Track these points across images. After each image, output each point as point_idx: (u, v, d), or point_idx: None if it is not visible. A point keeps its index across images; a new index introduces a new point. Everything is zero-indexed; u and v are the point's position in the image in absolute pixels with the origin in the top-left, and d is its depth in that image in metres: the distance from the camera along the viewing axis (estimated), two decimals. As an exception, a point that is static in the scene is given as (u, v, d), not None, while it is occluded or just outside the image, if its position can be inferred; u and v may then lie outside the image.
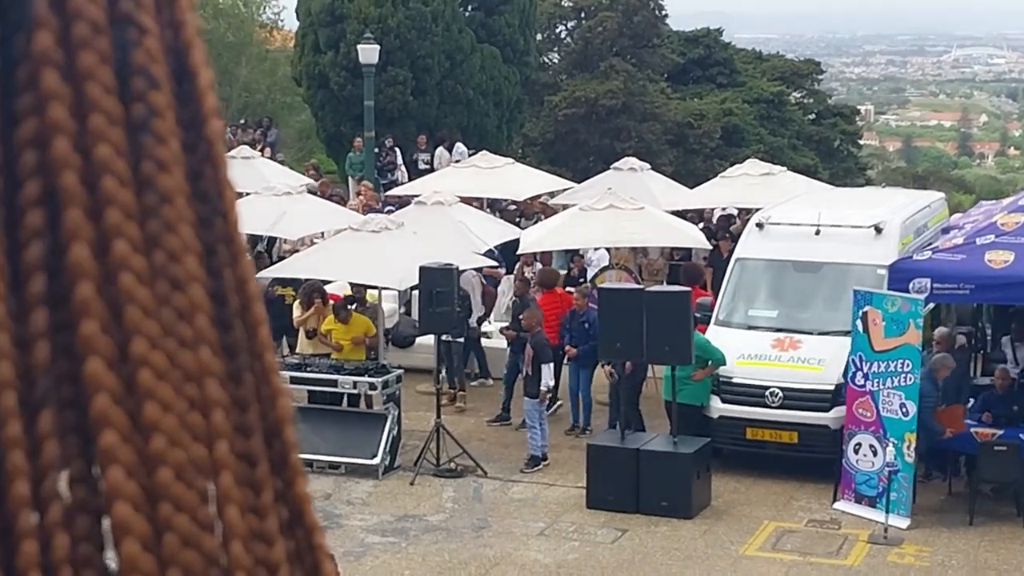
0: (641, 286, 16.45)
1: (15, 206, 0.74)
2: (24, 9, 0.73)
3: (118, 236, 0.74)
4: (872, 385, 14.08)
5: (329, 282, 17.33)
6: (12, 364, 0.72)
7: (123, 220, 0.74)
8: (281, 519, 0.81)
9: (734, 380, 15.32)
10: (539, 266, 21.01)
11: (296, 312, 17.54)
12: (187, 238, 0.77)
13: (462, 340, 17.87)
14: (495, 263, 19.44)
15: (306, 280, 17.32)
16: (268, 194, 19.79)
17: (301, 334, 17.35)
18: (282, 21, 43.04)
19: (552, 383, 15.68)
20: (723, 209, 22.94)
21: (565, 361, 16.95)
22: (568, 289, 18.32)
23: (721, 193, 22.70)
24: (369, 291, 17.63)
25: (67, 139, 0.73)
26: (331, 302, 16.90)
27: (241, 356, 0.81)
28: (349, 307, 16.69)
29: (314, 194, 23.08)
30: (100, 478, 0.74)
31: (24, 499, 0.72)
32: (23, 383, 0.73)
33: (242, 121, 34.73)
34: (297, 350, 17.44)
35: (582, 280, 19.32)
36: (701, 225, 22.03)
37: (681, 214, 21.26)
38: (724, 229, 21.90)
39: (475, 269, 17.74)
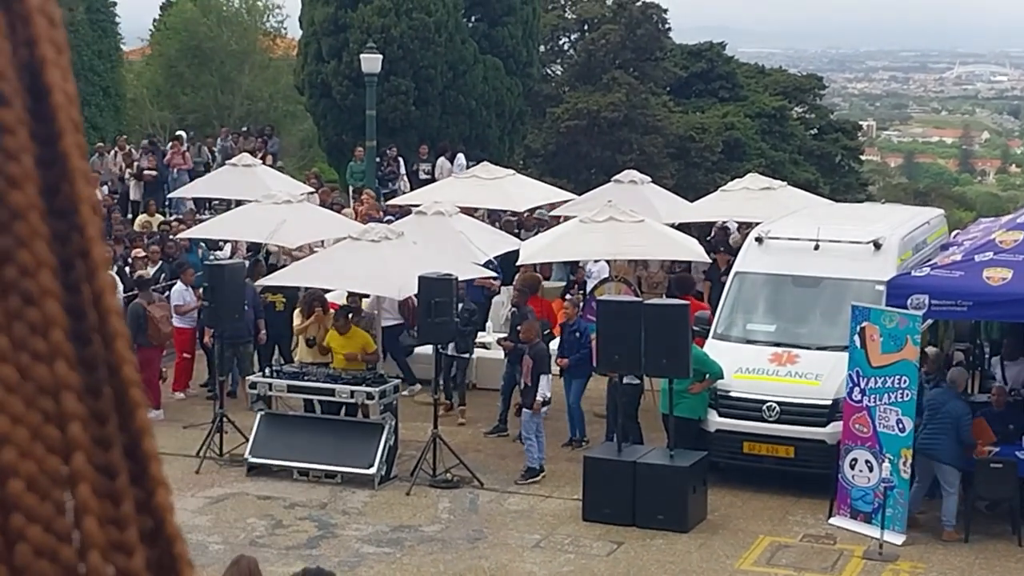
0: (640, 299, 16.45)
1: None
2: None
3: None
4: (869, 401, 14.08)
5: (328, 291, 17.36)
6: None
7: None
8: (142, 530, 0.82)
9: (732, 394, 15.33)
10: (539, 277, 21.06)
11: (296, 320, 17.58)
12: (40, 253, 0.78)
13: (467, 356, 17.84)
14: (493, 274, 19.46)
15: (306, 289, 17.35)
16: (268, 202, 19.81)
17: (301, 342, 17.38)
18: (285, 30, 43.14)
19: (549, 395, 15.67)
20: (723, 222, 22.96)
21: (559, 374, 16.93)
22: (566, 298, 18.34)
23: (721, 207, 22.71)
24: (363, 300, 17.66)
25: None
26: (331, 311, 16.92)
27: (99, 369, 0.81)
28: (349, 317, 16.69)
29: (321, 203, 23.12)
30: None
31: None
32: None
33: (244, 129, 34.76)
34: (298, 358, 17.47)
35: (581, 292, 19.34)
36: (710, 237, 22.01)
37: (687, 228, 21.26)
38: (721, 242, 21.91)
39: (467, 281, 17.78)
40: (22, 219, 0.77)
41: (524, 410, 15.59)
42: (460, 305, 17.59)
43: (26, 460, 0.76)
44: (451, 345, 17.45)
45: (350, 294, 17.29)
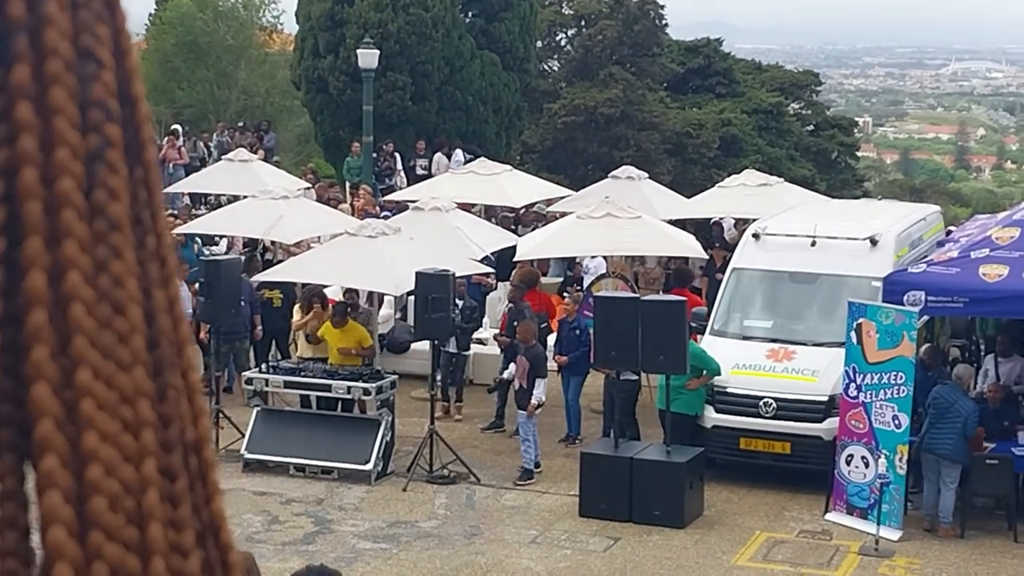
0: (637, 295, 16.46)
1: None
2: (4, 44, 0.75)
3: (72, 267, 0.77)
4: (865, 397, 14.10)
5: (326, 286, 17.35)
6: None
7: (78, 252, 0.77)
8: (197, 533, 0.83)
9: (728, 390, 15.34)
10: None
11: (296, 316, 17.59)
12: (130, 262, 0.80)
13: (468, 353, 17.84)
14: (489, 270, 19.45)
15: (305, 285, 17.35)
16: (265, 198, 19.79)
17: (301, 338, 17.40)
18: (282, 25, 43.04)
19: (544, 399, 15.63)
20: (719, 218, 22.97)
21: (557, 371, 16.93)
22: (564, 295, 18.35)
23: (718, 203, 22.72)
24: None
25: (35, 170, 0.76)
26: (330, 306, 16.92)
27: (166, 373, 0.82)
28: (347, 312, 16.69)
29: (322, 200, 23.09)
30: (33, 499, 0.76)
31: None
32: None
33: (240, 124, 34.72)
34: (298, 353, 17.50)
35: (579, 288, 19.34)
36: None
37: (683, 224, 21.25)
38: (717, 238, 21.92)
39: (465, 277, 17.80)
40: (119, 230, 0.80)
41: (520, 412, 15.56)
42: (461, 303, 17.61)
43: (109, 477, 0.77)
44: (452, 342, 17.48)
45: (345, 291, 17.28)
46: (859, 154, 51.87)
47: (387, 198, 25.88)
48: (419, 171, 29.48)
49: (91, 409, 0.76)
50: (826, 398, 14.99)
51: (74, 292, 0.76)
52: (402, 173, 29.95)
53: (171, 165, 28.33)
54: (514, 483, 15.38)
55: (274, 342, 18.59)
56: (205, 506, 0.84)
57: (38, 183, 0.76)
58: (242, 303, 17.51)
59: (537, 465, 15.61)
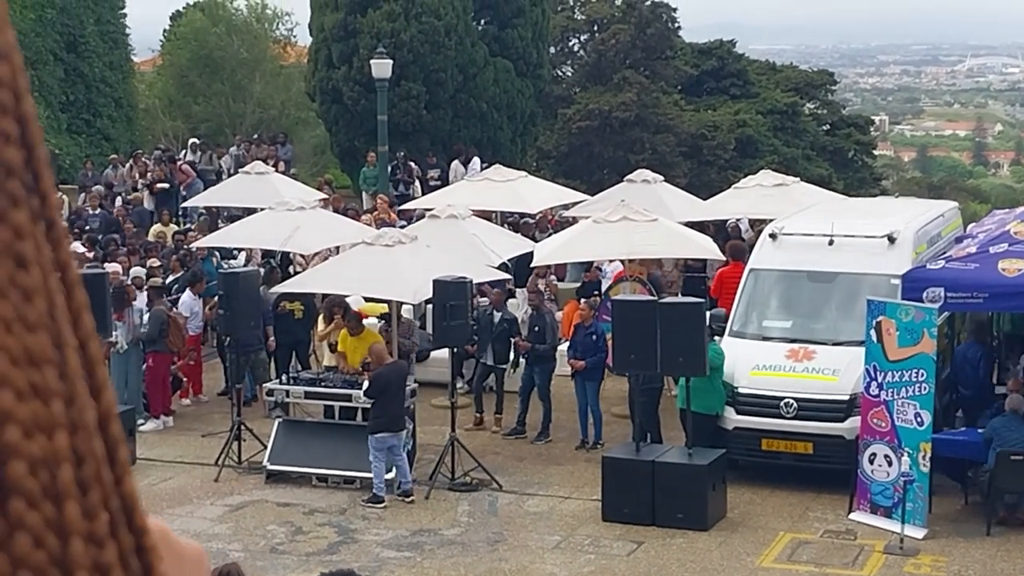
0: (654, 298, 16.44)
1: None
2: None
3: None
4: (887, 395, 14.04)
5: (344, 296, 17.38)
6: None
7: None
8: (109, 520, 0.79)
9: (749, 391, 15.30)
10: (553, 278, 21.07)
11: (319, 326, 17.64)
12: (26, 216, 0.77)
13: (504, 366, 17.75)
14: (508, 276, 19.45)
15: (325, 296, 17.40)
16: (282, 209, 19.85)
17: (325, 347, 17.45)
18: (295, 37, 43.17)
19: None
20: (737, 220, 22.93)
21: (574, 375, 16.90)
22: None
23: (734, 204, 22.67)
24: (380, 305, 17.68)
25: None
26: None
27: (65, 342, 0.79)
28: (380, 320, 16.67)
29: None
30: None
31: None
32: None
33: (256, 137, 34.83)
34: (324, 363, 17.55)
35: (596, 292, 19.33)
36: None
37: (701, 226, 21.23)
38: (729, 239, 21.80)
39: (497, 286, 17.83)
40: (14, 178, 0.77)
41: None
42: (499, 314, 17.61)
43: (28, 441, 0.74)
44: (489, 353, 17.46)
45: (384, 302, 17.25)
46: (876, 153, 51.70)
47: (403, 207, 25.92)
48: (432, 182, 29.50)
49: (5, 365, 0.74)
50: (847, 397, 14.93)
51: None
52: (417, 182, 29.99)
53: (182, 186, 28.37)
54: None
55: (294, 353, 18.64)
56: (115, 489, 0.80)
57: None
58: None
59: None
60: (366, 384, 15.12)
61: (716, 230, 21.87)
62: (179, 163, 29.15)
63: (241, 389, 17.14)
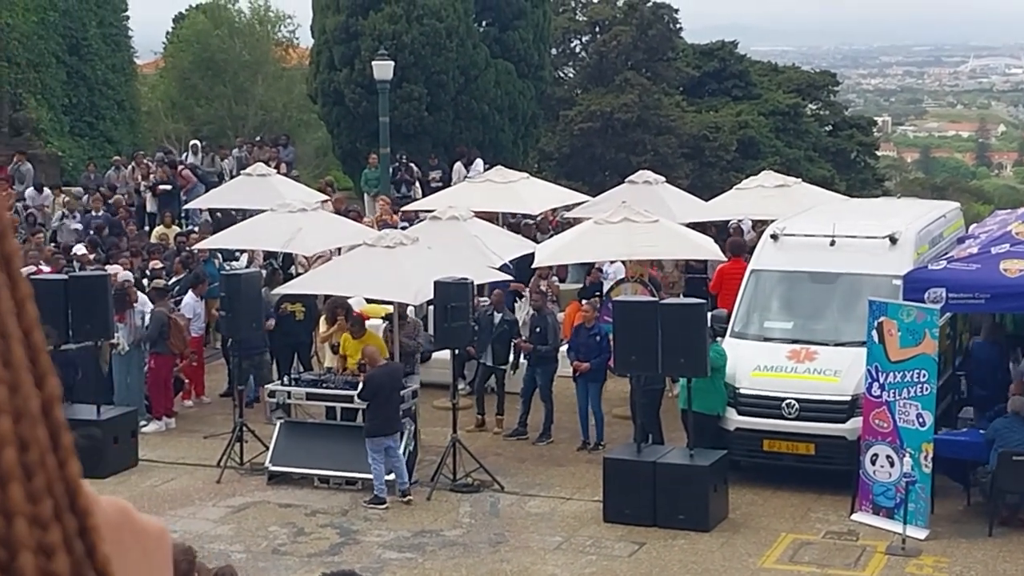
0: (656, 299, 16.44)
1: None
2: None
3: None
4: (889, 395, 14.03)
5: (346, 298, 17.39)
6: None
7: None
8: (54, 504, 0.80)
9: (750, 392, 15.30)
10: (555, 279, 21.06)
11: (322, 328, 17.65)
12: None
13: (504, 367, 17.74)
14: (510, 277, 19.44)
15: (327, 297, 17.40)
16: (283, 211, 19.86)
17: (327, 349, 17.46)
18: (297, 39, 43.23)
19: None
20: (739, 221, 22.91)
21: (575, 376, 16.89)
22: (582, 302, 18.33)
23: (736, 205, 22.67)
24: (383, 307, 17.69)
25: None
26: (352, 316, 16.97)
27: (9, 334, 0.79)
28: (384, 322, 16.68)
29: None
30: None
31: None
32: None
33: (258, 139, 34.85)
34: (325, 364, 17.56)
35: (597, 293, 19.33)
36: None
37: (702, 227, 21.23)
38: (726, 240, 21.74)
39: (501, 288, 17.81)
40: None
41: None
42: (499, 316, 17.61)
43: None
44: (489, 354, 17.47)
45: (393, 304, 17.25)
46: (879, 154, 51.70)
47: (404, 208, 25.93)
48: (433, 184, 29.52)
49: None
50: (849, 398, 14.92)
51: None
52: (417, 184, 30.00)
53: (183, 190, 28.37)
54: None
55: (296, 355, 18.65)
56: (59, 473, 0.81)
57: None
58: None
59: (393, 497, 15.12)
60: (359, 387, 15.14)
61: (717, 231, 21.87)
62: (180, 168, 29.16)
63: (244, 391, 17.15)
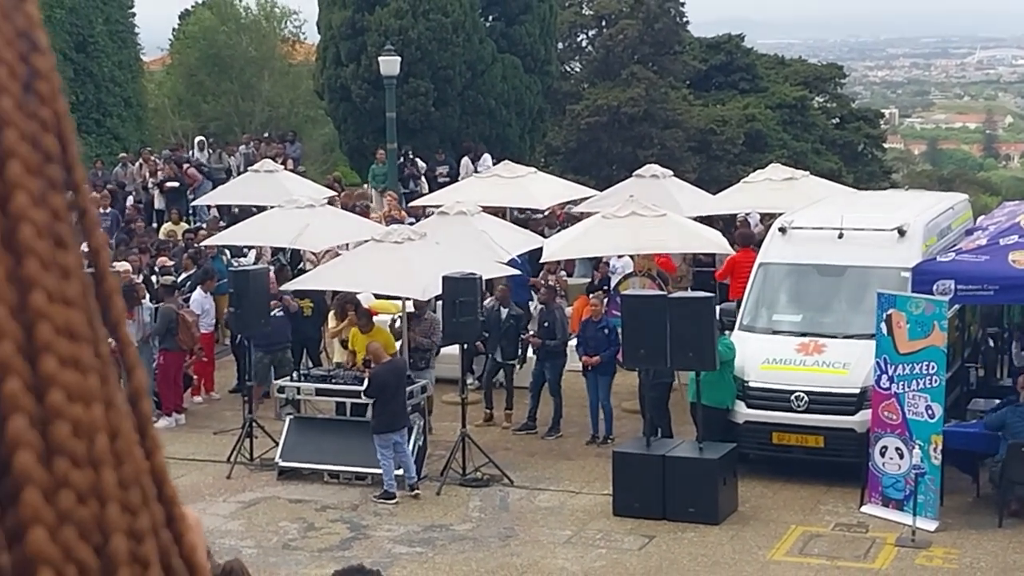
0: (664, 292, 16.44)
1: None
2: None
3: (19, 188, 0.78)
4: (897, 388, 14.03)
5: (355, 293, 17.41)
6: None
7: (23, 172, 0.78)
8: (143, 491, 0.83)
9: (759, 385, 15.30)
10: (563, 274, 21.07)
11: (331, 323, 17.66)
12: (62, 200, 0.81)
13: (513, 362, 17.76)
14: (518, 272, 19.46)
15: (335, 293, 17.43)
16: (291, 207, 19.89)
17: (336, 344, 17.48)
18: (304, 35, 43.22)
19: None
20: (747, 214, 22.90)
21: (584, 371, 16.89)
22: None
23: (744, 199, 22.65)
24: (395, 303, 17.71)
25: None
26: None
27: (99, 322, 0.82)
28: (371, 317, 16.73)
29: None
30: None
31: None
32: None
33: (265, 135, 34.88)
34: (335, 359, 17.58)
35: (605, 287, 19.33)
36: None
37: (709, 220, 21.22)
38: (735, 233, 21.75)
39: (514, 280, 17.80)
40: (54, 162, 0.81)
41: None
42: (506, 311, 17.62)
43: (71, 404, 0.78)
44: (498, 350, 17.49)
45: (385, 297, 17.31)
46: (886, 146, 51.61)
47: (412, 204, 25.95)
48: (440, 179, 29.53)
49: (49, 333, 0.77)
50: (858, 390, 14.92)
51: (23, 213, 0.77)
52: (425, 178, 30.02)
53: (191, 187, 28.40)
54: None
55: (305, 351, 18.68)
56: (147, 462, 0.83)
57: None
58: (282, 313, 17.63)
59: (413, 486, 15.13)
60: (365, 383, 15.16)
61: (725, 225, 21.86)
62: (187, 167, 29.20)
63: (253, 387, 17.19)
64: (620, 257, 20.02)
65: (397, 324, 17.46)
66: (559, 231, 21.64)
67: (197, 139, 32.60)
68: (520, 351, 17.78)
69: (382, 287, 16.74)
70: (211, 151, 31.06)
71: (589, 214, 20.95)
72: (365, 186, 29.91)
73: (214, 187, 27.34)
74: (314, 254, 21.32)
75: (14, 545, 0.74)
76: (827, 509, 14.59)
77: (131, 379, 0.85)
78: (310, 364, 18.14)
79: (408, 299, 16.70)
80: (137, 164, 29.65)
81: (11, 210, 0.76)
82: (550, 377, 17.13)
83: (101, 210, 25.91)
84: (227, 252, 21.89)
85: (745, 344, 15.55)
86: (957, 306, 15.36)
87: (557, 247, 19.05)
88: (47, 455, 0.76)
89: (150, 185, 28.70)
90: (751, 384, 15.32)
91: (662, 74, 40.69)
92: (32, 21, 0.82)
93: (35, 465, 0.75)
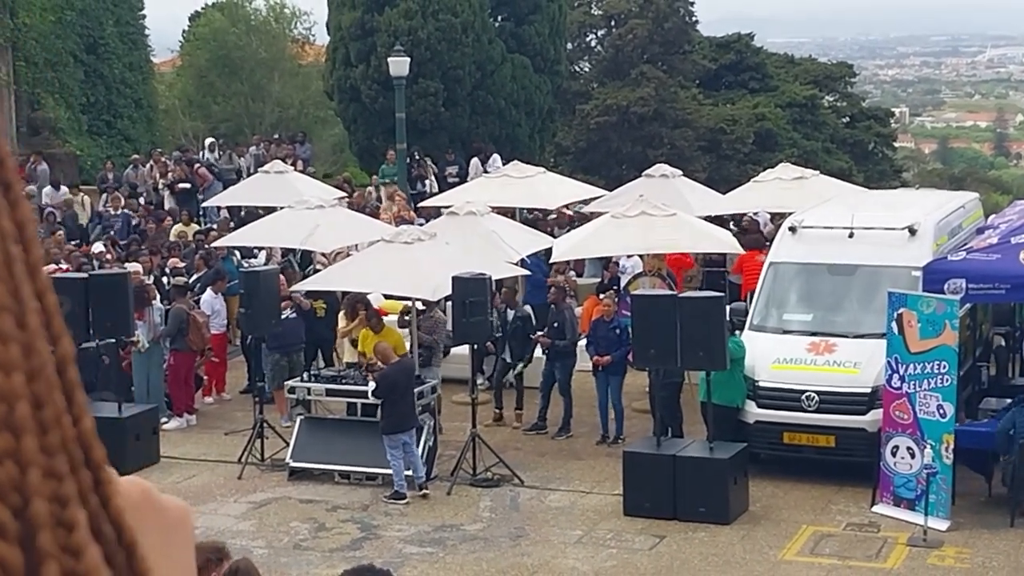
0: (674, 292, 16.43)
1: None
2: None
3: None
4: (909, 387, 14.01)
5: (365, 294, 17.43)
6: None
7: None
8: (69, 460, 0.83)
9: (770, 384, 15.28)
10: (572, 274, 21.07)
11: (341, 323, 17.68)
12: None
13: (519, 363, 17.74)
14: (528, 272, 19.46)
15: (346, 293, 17.45)
16: (301, 208, 19.91)
17: (346, 344, 17.49)
18: (313, 36, 43.24)
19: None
20: (755, 214, 22.88)
21: (595, 370, 16.89)
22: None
23: (754, 198, 22.63)
24: (399, 302, 17.72)
25: None
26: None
27: (23, 293, 0.83)
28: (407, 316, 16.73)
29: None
30: None
31: None
32: None
33: (276, 136, 34.90)
34: (345, 359, 17.59)
35: (615, 287, 19.32)
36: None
37: (721, 220, 21.20)
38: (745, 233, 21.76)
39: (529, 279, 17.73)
40: None
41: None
42: (512, 312, 17.62)
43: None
44: (506, 351, 17.48)
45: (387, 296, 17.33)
46: (896, 145, 51.50)
47: (421, 204, 25.96)
48: (450, 179, 29.54)
49: None
50: (869, 390, 14.90)
51: None
52: (434, 178, 30.03)
53: (203, 187, 28.45)
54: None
55: (320, 352, 18.70)
56: (74, 428, 0.83)
57: None
58: (295, 314, 17.63)
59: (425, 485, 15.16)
60: (372, 385, 15.16)
61: (736, 224, 21.85)
62: (198, 166, 29.24)
63: (273, 390, 17.24)
64: (630, 257, 20.01)
65: (406, 317, 17.45)
66: (569, 231, 21.64)
67: (207, 140, 32.64)
68: (529, 351, 17.76)
69: (392, 288, 16.75)
70: (221, 152, 31.11)
71: (599, 214, 20.94)
72: (373, 178, 29.91)
73: (224, 188, 27.39)
74: (324, 255, 21.33)
75: None
76: (838, 509, 14.57)
77: (57, 347, 0.84)
78: (322, 365, 18.15)
79: (418, 299, 16.71)
80: (148, 166, 29.71)
81: None
82: (560, 377, 17.13)
83: (113, 211, 25.99)
84: (237, 253, 21.92)
85: (756, 344, 15.53)
86: (968, 305, 15.32)
87: (567, 247, 19.05)
88: None
89: (161, 186, 28.75)
90: (762, 384, 15.30)
91: (672, 73, 40.66)
92: None
93: None
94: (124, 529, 0.84)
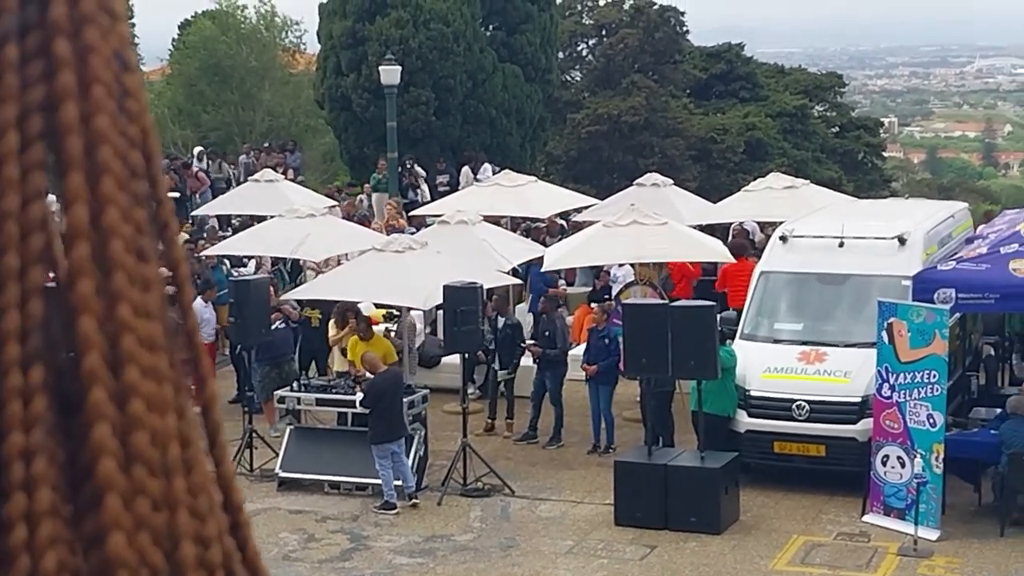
0: (666, 301, 16.43)
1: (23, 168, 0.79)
2: None
3: (111, 202, 0.80)
4: (899, 396, 14.01)
5: (356, 302, 17.40)
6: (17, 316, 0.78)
7: (115, 188, 0.81)
8: (210, 499, 0.86)
9: (761, 394, 15.28)
10: (563, 283, 21.06)
11: (331, 331, 17.63)
12: (143, 213, 0.84)
13: (512, 373, 17.74)
14: (519, 281, 19.45)
15: (338, 302, 17.42)
16: (292, 216, 19.88)
17: (336, 352, 17.44)
18: (304, 45, 43.25)
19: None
20: (742, 223, 22.90)
21: (585, 379, 16.88)
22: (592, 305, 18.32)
23: (744, 207, 22.66)
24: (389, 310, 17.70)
25: (75, 105, 0.79)
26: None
27: (176, 333, 0.85)
28: (370, 325, 16.70)
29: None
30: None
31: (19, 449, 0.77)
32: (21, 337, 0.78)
33: (266, 145, 34.88)
34: (335, 368, 17.53)
35: (607, 296, 19.31)
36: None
37: (711, 229, 21.22)
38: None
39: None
40: (139, 179, 0.84)
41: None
42: (503, 320, 17.59)
43: (150, 414, 0.80)
44: (495, 360, 17.47)
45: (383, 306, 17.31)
46: (886, 155, 51.63)
47: (413, 213, 25.94)
48: (441, 188, 29.54)
49: (132, 345, 0.79)
50: (859, 399, 14.90)
51: (114, 228, 0.80)
52: (425, 186, 30.03)
53: (195, 194, 28.42)
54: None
55: (314, 362, 18.64)
56: (216, 469, 0.87)
57: (78, 119, 0.79)
58: (284, 324, 17.56)
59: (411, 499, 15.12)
60: (359, 395, 15.12)
61: (724, 233, 21.87)
62: (195, 171, 29.21)
63: (253, 397, 17.16)
64: (621, 266, 20.01)
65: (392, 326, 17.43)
66: (560, 240, 21.64)
67: (196, 149, 32.61)
68: (515, 359, 17.75)
69: (383, 296, 16.73)
70: (211, 161, 31.08)
71: (590, 223, 20.94)
72: (365, 187, 29.88)
73: (214, 197, 27.34)
74: (315, 264, 21.30)
75: (93, 549, 0.77)
76: (829, 518, 14.56)
77: (204, 389, 0.87)
78: (317, 374, 18.09)
79: (411, 308, 16.69)
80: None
81: (103, 224, 0.79)
82: (551, 386, 17.11)
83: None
84: (227, 262, 21.87)
85: (746, 353, 15.53)
86: (958, 315, 15.34)
87: (558, 256, 19.04)
88: (127, 463, 0.78)
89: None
90: (752, 393, 15.29)
91: (662, 83, 40.73)
92: (124, 41, 0.85)
93: (117, 472, 0.78)
94: (259, 574, 0.88)
